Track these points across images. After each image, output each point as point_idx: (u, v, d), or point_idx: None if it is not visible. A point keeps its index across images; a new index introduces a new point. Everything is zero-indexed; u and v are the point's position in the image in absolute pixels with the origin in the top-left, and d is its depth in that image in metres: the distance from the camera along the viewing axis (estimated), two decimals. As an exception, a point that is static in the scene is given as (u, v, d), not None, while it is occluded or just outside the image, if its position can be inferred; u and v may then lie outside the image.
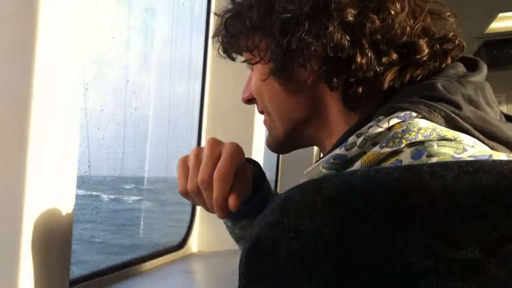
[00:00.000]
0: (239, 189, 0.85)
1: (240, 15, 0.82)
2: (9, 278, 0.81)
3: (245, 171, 0.89)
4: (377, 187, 0.48)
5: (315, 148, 2.66)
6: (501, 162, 0.48)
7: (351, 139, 0.70)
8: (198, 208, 1.76)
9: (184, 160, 0.89)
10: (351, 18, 0.73)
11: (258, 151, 1.84)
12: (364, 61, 0.73)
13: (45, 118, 0.84)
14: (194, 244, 1.76)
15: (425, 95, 0.71)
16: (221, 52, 0.89)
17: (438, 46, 0.76)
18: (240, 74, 1.72)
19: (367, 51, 0.73)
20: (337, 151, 0.70)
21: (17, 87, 0.82)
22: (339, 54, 0.73)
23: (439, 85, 0.72)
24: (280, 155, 2.48)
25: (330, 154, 0.72)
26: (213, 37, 0.89)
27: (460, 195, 0.46)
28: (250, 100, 0.90)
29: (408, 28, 0.75)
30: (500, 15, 3.80)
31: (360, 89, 0.75)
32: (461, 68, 0.77)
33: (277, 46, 0.77)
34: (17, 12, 0.82)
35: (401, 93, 0.74)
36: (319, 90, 0.79)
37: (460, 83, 0.73)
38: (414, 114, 0.68)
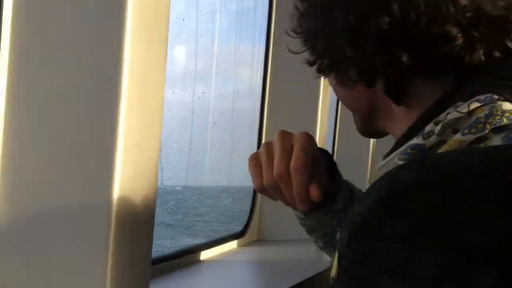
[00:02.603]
0: (318, 179, 0.83)
1: (302, 17, 0.80)
2: (99, 255, 0.83)
3: (319, 159, 0.87)
4: (496, 162, 0.46)
5: (372, 141, 2.63)
6: None
7: (428, 127, 0.67)
8: (259, 197, 1.76)
9: (255, 157, 0.87)
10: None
11: (320, 143, 1.82)
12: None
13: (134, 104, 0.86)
14: (254, 232, 1.76)
15: (503, 76, 0.68)
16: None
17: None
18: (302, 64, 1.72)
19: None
20: (414, 140, 0.68)
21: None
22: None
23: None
24: (335, 149, 2.46)
25: (406, 145, 0.69)
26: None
27: None
28: None
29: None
30: None
31: (399, 84, 0.72)
32: None
33: (313, 49, 0.77)
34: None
35: (475, 76, 0.70)
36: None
37: None
38: (495, 96, 0.65)
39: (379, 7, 0.69)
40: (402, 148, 0.70)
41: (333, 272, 0.59)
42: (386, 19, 0.68)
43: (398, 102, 0.74)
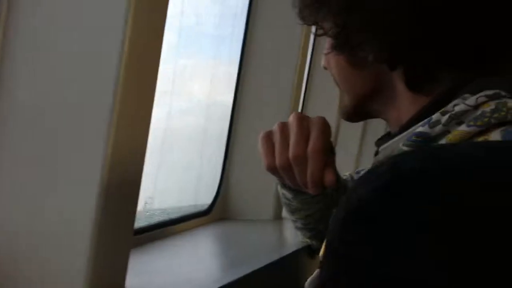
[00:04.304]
0: (333, 164, 0.84)
1: None
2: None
3: (332, 147, 0.88)
4: (506, 157, 0.46)
5: (361, 127, 2.66)
6: None
7: (435, 117, 0.68)
8: (225, 176, 1.76)
9: (268, 136, 0.87)
10: None
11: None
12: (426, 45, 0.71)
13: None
14: (220, 211, 1.76)
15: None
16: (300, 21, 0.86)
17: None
18: (278, 45, 1.71)
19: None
20: (420, 128, 0.69)
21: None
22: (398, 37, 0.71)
23: None
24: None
25: (411, 131, 0.70)
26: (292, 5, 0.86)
27: None
28: (326, 68, 0.88)
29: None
30: None
31: (422, 71, 0.73)
32: None
33: (337, 22, 0.75)
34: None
35: (486, 75, 0.72)
36: (383, 67, 0.77)
37: None
38: (503, 93, 0.66)
39: None
40: (408, 133, 0.71)
41: (321, 253, 0.60)
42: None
43: (413, 87, 0.74)
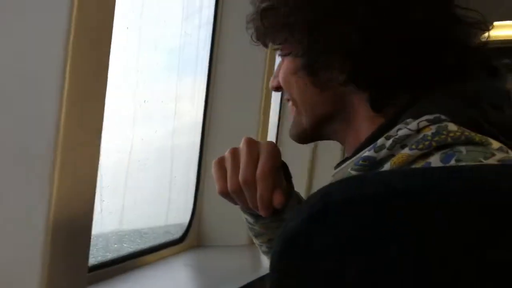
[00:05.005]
0: (281, 187, 0.86)
1: (274, 9, 0.81)
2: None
3: (280, 170, 0.89)
4: (420, 185, 0.48)
5: (311, 148, 2.67)
6: None
7: (380, 141, 0.70)
8: (199, 203, 1.77)
9: (220, 162, 0.89)
10: (377, 19, 0.74)
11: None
12: (392, 63, 0.74)
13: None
14: (194, 238, 1.76)
15: (453, 99, 0.72)
16: (254, 39, 0.88)
17: (465, 52, 0.77)
18: (244, 68, 1.71)
19: (396, 53, 0.74)
20: (367, 153, 0.71)
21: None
22: (367, 56, 0.74)
23: (467, 89, 0.73)
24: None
25: (359, 156, 0.73)
26: (246, 23, 0.87)
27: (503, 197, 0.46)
28: (277, 88, 0.89)
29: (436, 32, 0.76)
30: (495, 23, 3.83)
31: (387, 92, 0.76)
32: (484, 74, 0.78)
33: (306, 43, 0.77)
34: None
35: (429, 97, 0.75)
36: (346, 89, 0.79)
37: (486, 88, 0.74)
38: (443, 117, 0.69)
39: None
40: (355, 158, 0.73)
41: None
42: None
43: (376, 107, 0.78)
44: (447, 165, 0.63)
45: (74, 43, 0.83)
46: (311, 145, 2.62)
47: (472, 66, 0.78)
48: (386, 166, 0.68)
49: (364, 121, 0.80)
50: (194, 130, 1.83)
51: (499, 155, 0.63)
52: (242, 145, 0.87)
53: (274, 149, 0.87)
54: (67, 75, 0.82)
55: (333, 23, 0.75)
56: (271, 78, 0.90)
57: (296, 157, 2.44)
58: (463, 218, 0.47)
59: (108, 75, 0.95)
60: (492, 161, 0.62)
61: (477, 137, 0.66)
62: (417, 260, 0.48)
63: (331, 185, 0.53)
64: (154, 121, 1.73)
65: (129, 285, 1.36)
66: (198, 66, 1.87)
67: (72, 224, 0.87)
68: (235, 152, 0.88)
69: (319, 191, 0.54)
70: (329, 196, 0.52)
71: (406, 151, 0.67)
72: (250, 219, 1.02)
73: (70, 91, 0.83)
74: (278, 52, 0.87)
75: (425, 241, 0.48)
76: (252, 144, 0.87)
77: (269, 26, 0.83)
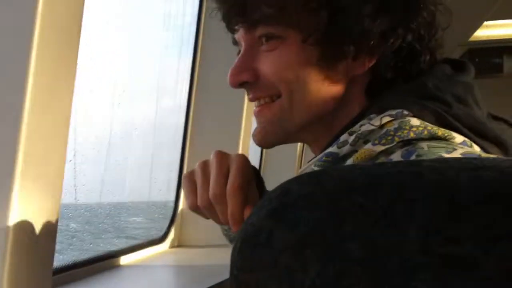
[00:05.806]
0: (253, 201, 0.83)
1: None
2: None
3: (253, 181, 0.87)
4: (378, 181, 0.48)
5: (299, 145, 2.67)
6: (501, 159, 0.49)
7: (343, 137, 0.70)
8: (180, 203, 1.76)
9: (190, 176, 0.86)
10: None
11: (244, 149, 1.84)
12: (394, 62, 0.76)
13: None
14: (175, 238, 1.75)
15: (415, 94, 0.72)
16: (231, 16, 0.80)
17: (428, 46, 0.77)
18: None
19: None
20: (330, 149, 0.71)
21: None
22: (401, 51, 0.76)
23: (429, 84, 0.72)
24: (264, 153, 2.47)
25: (323, 153, 0.72)
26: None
27: (460, 192, 0.46)
28: (242, 84, 0.82)
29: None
30: (486, 23, 3.84)
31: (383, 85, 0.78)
32: (448, 68, 0.78)
33: (332, 28, 0.73)
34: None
35: (391, 92, 0.74)
36: (353, 85, 0.78)
37: (449, 82, 0.74)
38: (405, 112, 0.68)
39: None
40: (319, 155, 0.72)
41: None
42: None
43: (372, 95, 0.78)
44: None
45: (40, 31, 0.82)
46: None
47: (435, 60, 0.78)
48: (349, 162, 0.67)
49: (340, 121, 0.79)
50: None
51: (461, 149, 0.63)
52: (212, 159, 0.85)
53: (244, 161, 0.84)
54: (31, 68, 0.81)
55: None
56: (233, 71, 0.81)
57: (284, 155, 2.45)
58: (425, 212, 0.46)
59: (77, 67, 0.93)
60: (454, 155, 0.62)
61: (440, 131, 0.66)
62: (377, 253, 0.47)
63: (290, 181, 0.53)
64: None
65: (107, 285, 1.35)
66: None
67: (35, 225, 0.85)
68: (205, 166, 0.85)
69: (279, 186, 0.53)
70: (287, 192, 0.52)
71: (369, 146, 0.66)
72: (225, 225, 1.01)
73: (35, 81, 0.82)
74: (264, 38, 0.78)
75: (384, 237, 0.47)
76: (221, 158, 0.84)
77: (284, 5, 0.74)
